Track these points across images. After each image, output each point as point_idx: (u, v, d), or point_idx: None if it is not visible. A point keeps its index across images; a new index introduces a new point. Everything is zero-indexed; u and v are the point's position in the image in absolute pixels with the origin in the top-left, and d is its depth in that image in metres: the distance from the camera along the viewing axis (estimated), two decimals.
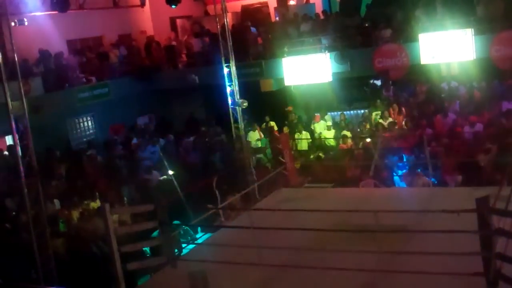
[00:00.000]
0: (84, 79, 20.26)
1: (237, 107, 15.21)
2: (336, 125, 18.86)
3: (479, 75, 18.00)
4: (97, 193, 14.06)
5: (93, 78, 20.50)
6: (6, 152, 16.71)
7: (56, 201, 14.08)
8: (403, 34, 18.57)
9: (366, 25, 19.89)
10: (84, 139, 20.40)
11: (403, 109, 17.91)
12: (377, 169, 13.88)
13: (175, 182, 12.99)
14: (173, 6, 19.10)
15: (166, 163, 13.69)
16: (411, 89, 19.46)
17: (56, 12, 18.37)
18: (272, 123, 19.65)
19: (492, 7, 17.53)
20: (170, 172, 13.56)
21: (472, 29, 16.77)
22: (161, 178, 15.34)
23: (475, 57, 16.87)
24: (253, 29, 21.53)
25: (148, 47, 23.03)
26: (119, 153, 18.09)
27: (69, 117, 20.08)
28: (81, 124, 20.80)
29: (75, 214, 13.34)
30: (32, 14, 18.39)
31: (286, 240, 8.79)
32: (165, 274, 9.11)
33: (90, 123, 21.02)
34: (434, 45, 17.17)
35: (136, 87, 21.54)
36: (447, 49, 16.98)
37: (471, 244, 7.00)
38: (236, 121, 15.38)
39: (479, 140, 14.47)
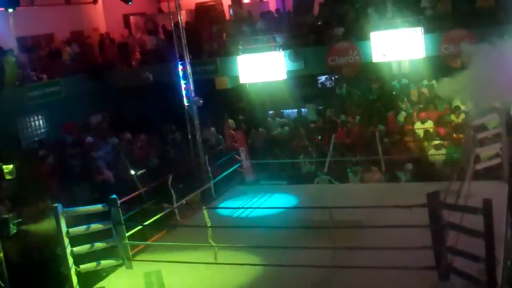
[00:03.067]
0: (35, 77, 19.84)
1: (192, 105, 15.14)
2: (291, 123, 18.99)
3: (429, 73, 18.38)
4: (49, 194, 13.79)
5: (44, 76, 20.09)
6: None
7: (6, 202, 13.75)
8: (355, 33, 18.83)
9: (319, 23, 20.10)
10: (36, 139, 19.97)
11: (356, 106, 18.14)
12: (331, 166, 14.03)
13: (137, 182, 12.80)
14: (129, 3, 18.80)
15: (126, 162, 13.55)
16: (364, 86, 19.74)
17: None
18: (231, 121, 19.62)
19: (440, 6, 17.94)
20: (132, 172, 13.42)
21: (422, 28, 17.14)
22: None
23: (425, 55, 17.24)
24: None
25: (101, 45, 22.70)
26: (72, 152, 17.78)
27: (19, 116, 19.62)
28: (32, 123, 20.35)
29: (27, 216, 13.03)
30: None
31: (242, 238, 8.81)
32: (120, 275, 9.01)
33: (41, 122, 20.59)
34: (385, 43, 17.47)
35: (89, 85, 21.20)
36: (398, 47, 17.30)
37: (423, 238, 7.16)
38: (191, 118, 15.31)
39: (429, 136, 14.79)
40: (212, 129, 18.82)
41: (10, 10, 17.37)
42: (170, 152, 17.72)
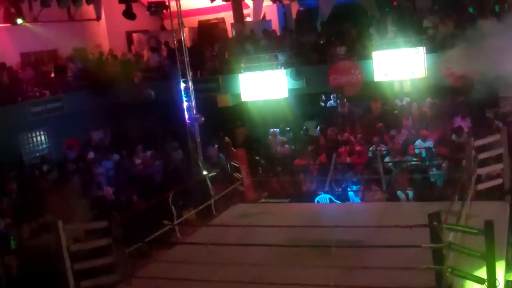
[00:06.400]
0: (37, 93, 19.92)
1: (193, 122, 15.19)
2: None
3: (431, 92, 18.43)
4: (50, 209, 13.77)
5: (47, 92, 20.17)
6: None
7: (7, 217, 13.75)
8: (357, 52, 18.91)
9: (321, 42, 20.20)
10: (37, 154, 19.99)
11: (357, 125, 18.18)
12: (333, 184, 14.02)
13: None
14: (135, 18, 18.89)
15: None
16: (365, 105, 19.78)
17: (9, 24, 18.07)
18: (227, 139, 19.62)
19: (442, 26, 18.03)
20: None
21: (424, 48, 17.21)
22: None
23: (426, 75, 17.29)
24: None
25: (104, 61, 22.80)
26: (73, 168, 17.80)
27: (21, 132, 19.66)
28: (34, 138, 20.38)
29: (27, 231, 13.05)
30: None
31: (242, 256, 8.78)
32: None
33: (43, 138, 20.62)
34: (387, 62, 17.56)
35: (91, 101, 21.27)
36: (400, 66, 17.38)
37: (424, 258, 7.14)
38: (192, 136, 15.35)
39: (431, 155, 14.78)
40: (214, 146, 18.83)
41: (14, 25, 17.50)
42: (171, 169, 17.72)
